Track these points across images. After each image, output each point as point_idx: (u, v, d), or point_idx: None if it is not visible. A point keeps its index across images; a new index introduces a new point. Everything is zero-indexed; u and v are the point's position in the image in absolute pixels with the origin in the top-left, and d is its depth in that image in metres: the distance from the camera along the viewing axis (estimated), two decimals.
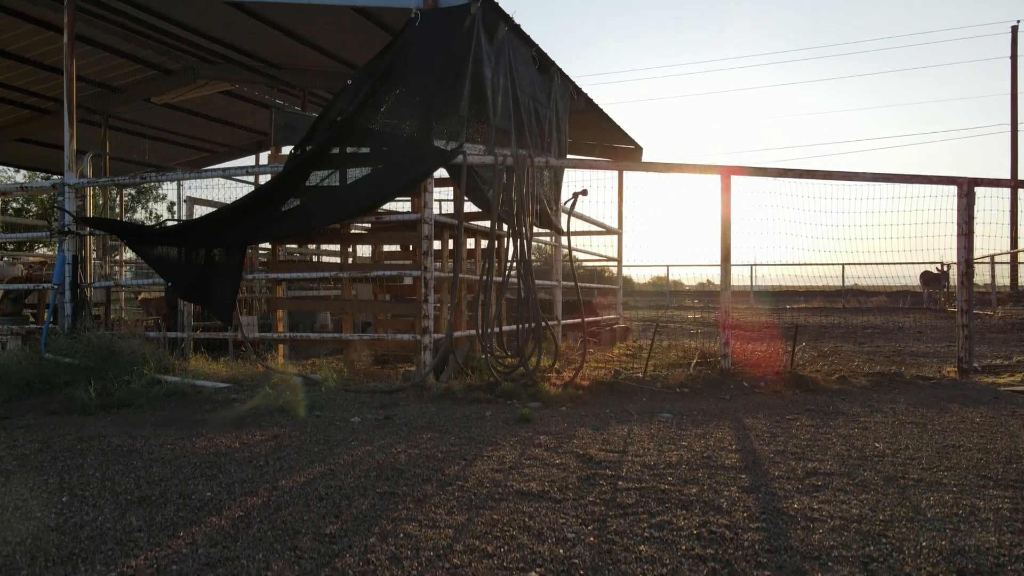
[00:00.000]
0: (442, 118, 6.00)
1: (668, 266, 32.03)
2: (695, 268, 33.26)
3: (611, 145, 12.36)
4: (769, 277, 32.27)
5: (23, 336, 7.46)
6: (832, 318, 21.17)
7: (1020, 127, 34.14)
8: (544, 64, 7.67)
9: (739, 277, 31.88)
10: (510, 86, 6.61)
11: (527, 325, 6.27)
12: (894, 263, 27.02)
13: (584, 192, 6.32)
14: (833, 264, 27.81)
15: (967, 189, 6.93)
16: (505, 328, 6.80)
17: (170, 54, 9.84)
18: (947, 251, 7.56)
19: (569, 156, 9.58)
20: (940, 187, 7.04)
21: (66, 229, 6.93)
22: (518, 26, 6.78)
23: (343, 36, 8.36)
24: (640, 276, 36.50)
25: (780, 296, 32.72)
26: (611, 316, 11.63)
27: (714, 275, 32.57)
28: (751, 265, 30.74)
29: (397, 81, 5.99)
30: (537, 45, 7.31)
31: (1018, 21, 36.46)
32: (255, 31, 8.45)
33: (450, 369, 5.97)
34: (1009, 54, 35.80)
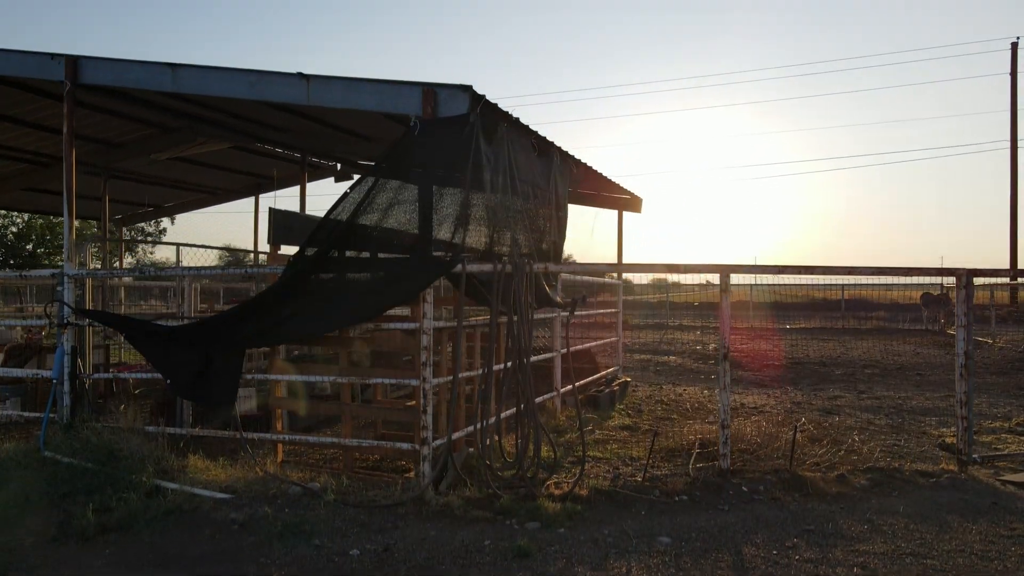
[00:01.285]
0: (441, 225, 6.00)
1: (669, 282, 32.12)
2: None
3: (609, 195, 12.35)
4: (769, 279, 32.16)
5: (21, 423, 7.47)
6: (832, 345, 21.21)
7: (1020, 144, 34.10)
8: (543, 147, 7.67)
9: (739, 279, 31.73)
10: (509, 182, 6.60)
11: (525, 417, 6.29)
12: (894, 283, 26.94)
13: (584, 298, 6.34)
14: (833, 286, 27.88)
15: (966, 280, 6.94)
16: (504, 414, 6.83)
17: (170, 114, 9.83)
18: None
19: (571, 205, 9.56)
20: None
21: (65, 321, 6.93)
22: (517, 119, 6.77)
23: (350, 118, 8.38)
24: (640, 279, 36.40)
25: (780, 309, 32.64)
26: (611, 370, 11.63)
27: (713, 276, 32.49)
28: (751, 285, 30.78)
29: (397, 188, 5.99)
30: (536, 132, 7.30)
31: (1018, 38, 36.39)
32: (265, 110, 8.47)
33: (449, 477, 5.97)
34: (1009, 70, 35.82)
